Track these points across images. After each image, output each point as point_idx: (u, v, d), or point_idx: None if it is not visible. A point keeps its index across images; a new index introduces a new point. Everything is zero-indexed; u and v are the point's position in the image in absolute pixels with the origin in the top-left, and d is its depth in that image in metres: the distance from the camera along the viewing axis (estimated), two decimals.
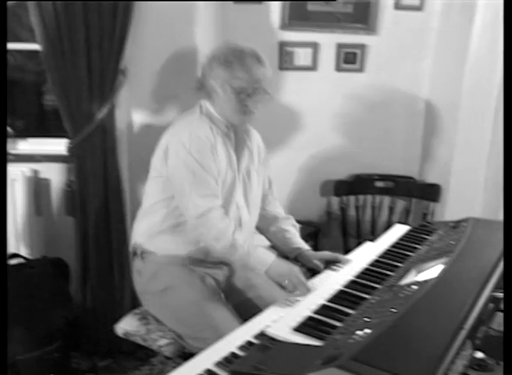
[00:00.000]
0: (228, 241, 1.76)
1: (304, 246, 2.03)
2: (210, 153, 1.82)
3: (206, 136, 1.83)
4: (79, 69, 2.41)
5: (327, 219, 3.24)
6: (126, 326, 1.96)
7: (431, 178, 3.17)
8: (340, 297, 1.57)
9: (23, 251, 2.69)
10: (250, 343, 1.34)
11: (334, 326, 1.36)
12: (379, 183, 3.16)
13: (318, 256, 1.95)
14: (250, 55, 1.82)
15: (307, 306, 1.52)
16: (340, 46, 2.99)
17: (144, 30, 2.50)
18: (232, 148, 1.93)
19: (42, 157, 2.74)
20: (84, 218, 2.61)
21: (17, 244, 2.69)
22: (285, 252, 2.03)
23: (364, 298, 1.52)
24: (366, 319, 1.27)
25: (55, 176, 2.75)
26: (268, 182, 2.14)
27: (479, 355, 1.22)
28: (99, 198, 2.59)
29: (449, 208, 3.04)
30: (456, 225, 1.94)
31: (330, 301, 1.54)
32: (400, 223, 2.39)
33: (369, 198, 3.18)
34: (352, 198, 3.17)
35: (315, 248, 3.00)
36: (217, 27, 2.76)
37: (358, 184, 3.16)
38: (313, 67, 3.01)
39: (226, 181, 1.89)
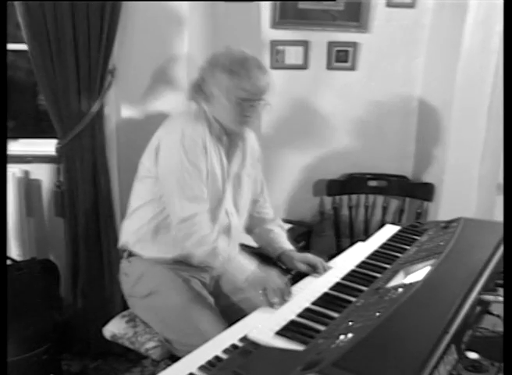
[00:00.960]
0: (208, 247, 1.73)
1: (288, 246, 2.00)
2: (201, 155, 1.79)
3: (200, 137, 1.79)
4: (67, 69, 2.39)
5: (320, 218, 3.22)
6: (114, 328, 1.95)
7: (424, 177, 3.14)
8: (325, 300, 1.55)
9: (14, 253, 2.66)
10: (235, 346, 1.32)
11: (317, 330, 1.34)
12: (372, 183, 3.13)
13: (299, 258, 1.91)
14: (254, 65, 1.77)
15: (291, 309, 1.50)
16: (332, 44, 2.95)
17: (132, 29, 2.48)
18: (223, 152, 1.90)
19: (33, 158, 2.72)
20: (74, 219, 2.59)
21: (8, 245, 2.67)
22: (269, 253, 2.01)
23: (350, 301, 1.50)
24: (350, 322, 1.25)
25: (46, 176, 2.72)
26: (260, 185, 2.11)
27: (474, 356, 1.21)
28: (88, 199, 2.57)
29: (443, 208, 3.01)
30: (447, 225, 1.92)
31: (315, 304, 1.52)
32: (394, 222, 2.37)
33: (362, 197, 3.16)
34: (345, 198, 3.15)
35: (308, 248, 2.98)
36: (207, 26, 2.74)
37: (351, 184, 3.13)
38: (304, 66, 2.99)
39: (216, 186, 1.86)
